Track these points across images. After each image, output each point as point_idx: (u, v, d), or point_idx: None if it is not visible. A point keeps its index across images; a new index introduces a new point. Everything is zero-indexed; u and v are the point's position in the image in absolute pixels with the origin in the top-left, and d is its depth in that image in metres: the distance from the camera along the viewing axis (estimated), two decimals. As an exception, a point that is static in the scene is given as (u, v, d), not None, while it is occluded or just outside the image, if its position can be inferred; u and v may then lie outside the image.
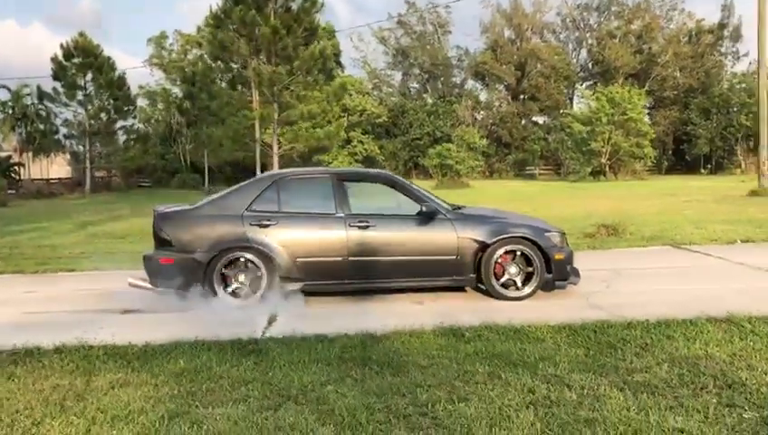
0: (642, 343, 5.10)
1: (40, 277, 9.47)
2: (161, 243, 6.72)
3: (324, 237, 6.71)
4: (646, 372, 4.50)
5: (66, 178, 49.42)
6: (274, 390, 4.30)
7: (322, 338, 5.44)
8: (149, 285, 6.77)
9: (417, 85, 64.69)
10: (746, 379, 4.27)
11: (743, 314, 5.78)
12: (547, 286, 6.86)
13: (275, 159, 27.07)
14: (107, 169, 50.75)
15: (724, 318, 5.71)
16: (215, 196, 7.18)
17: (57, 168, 51.75)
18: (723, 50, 59.17)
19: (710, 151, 53.76)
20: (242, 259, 6.60)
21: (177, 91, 51.61)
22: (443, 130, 52.46)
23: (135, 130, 47.30)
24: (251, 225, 6.65)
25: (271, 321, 6.12)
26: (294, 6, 26.13)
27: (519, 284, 6.80)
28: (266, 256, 6.57)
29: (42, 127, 44.25)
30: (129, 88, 44.25)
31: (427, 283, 6.92)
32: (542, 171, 57.13)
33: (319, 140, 26.71)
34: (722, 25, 58.68)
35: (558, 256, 6.78)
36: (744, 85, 52.72)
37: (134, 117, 47.11)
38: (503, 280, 6.80)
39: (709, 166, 53.75)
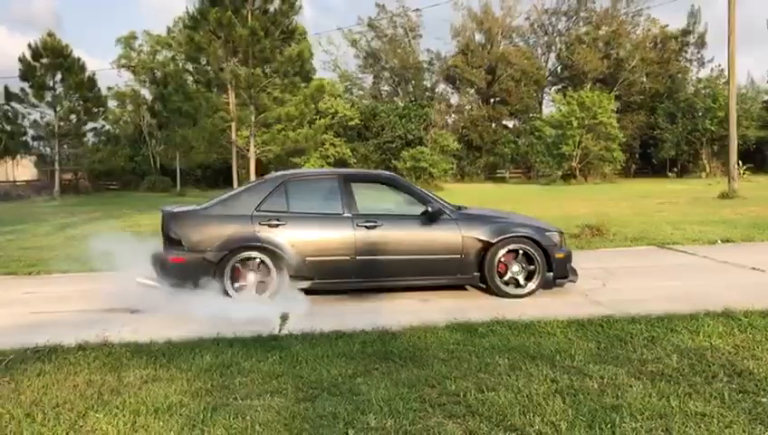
0: (649, 337, 5.34)
1: (34, 279, 9.43)
2: (171, 242, 6.78)
3: (333, 237, 6.84)
4: (657, 362, 4.72)
5: (33, 181, 48.51)
6: (305, 383, 4.43)
7: (341, 334, 5.57)
8: (158, 284, 6.82)
9: (388, 88, 65.13)
10: (753, 368, 4.52)
11: (737, 308, 6.05)
12: (548, 284, 7.08)
13: (252, 162, 27.01)
14: (74, 171, 49.92)
15: (722, 312, 5.98)
16: (222, 196, 7.25)
17: (23, 170, 50.73)
18: (688, 56, 60.62)
19: (676, 155, 55.00)
20: (252, 258, 6.70)
21: (146, 92, 51.14)
22: (414, 134, 52.77)
23: (104, 131, 46.64)
24: (261, 224, 6.76)
25: (284, 318, 6.23)
26: (272, 9, 26.16)
27: (521, 281, 7.01)
28: (276, 256, 6.68)
29: (9, 128, 43.33)
30: (99, 89, 43.68)
31: (432, 281, 7.09)
32: (512, 174, 57.94)
33: (296, 142, 26.78)
34: (686, 32, 60.14)
35: (559, 255, 7.02)
36: (708, 90, 54.12)
37: (104, 118, 46.48)
38: (505, 278, 7.00)
39: (675, 169, 54.97)
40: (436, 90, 63.52)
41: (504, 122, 61.62)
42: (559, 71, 63.06)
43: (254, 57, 25.21)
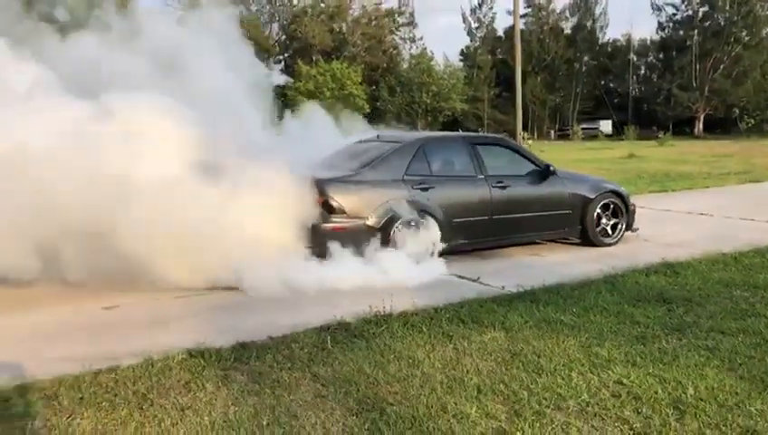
0: (778, 265, 6.66)
1: None
2: (331, 211, 6.29)
3: (474, 198, 7.07)
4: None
5: None
6: (657, 326, 4.84)
7: (565, 287, 5.90)
8: None
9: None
10: None
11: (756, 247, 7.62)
12: (620, 233, 8.12)
13: None
14: None
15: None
16: (371, 160, 6.86)
17: None
18: (401, 34, 66.13)
19: (398, 124, 60.09)
20: (411, 223, 6.58)
21: None
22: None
23: None
24: (413, 188, 6.68)
25: (477, 280, 6.29)
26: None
27: (610, 232, 7.93)
28: (432, 219, 6.68)
29: None
30: None
31: (547, 235, 7.77)
32: (248, 143, 57.61)
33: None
34: (400, 12, 65.56)
35: (632, 208, 8.09)
36: (423, 66, 59.83)
37: None
38: (598, 229, 7.85)
39: (399, 138, 60.00)
40: (160, 54, 59.91)
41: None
42: (283, 40, 63.91)
43: None
